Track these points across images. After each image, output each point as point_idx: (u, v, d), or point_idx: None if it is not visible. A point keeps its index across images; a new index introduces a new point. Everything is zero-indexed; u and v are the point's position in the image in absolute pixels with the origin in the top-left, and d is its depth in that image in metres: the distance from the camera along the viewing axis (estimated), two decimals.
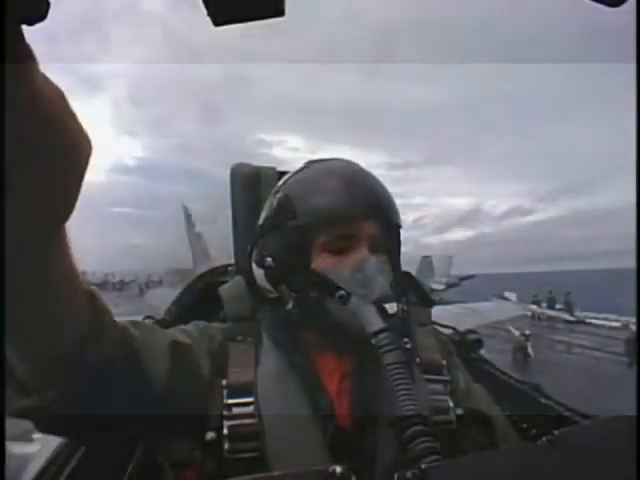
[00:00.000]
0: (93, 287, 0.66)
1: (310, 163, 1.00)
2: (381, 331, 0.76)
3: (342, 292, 0.84)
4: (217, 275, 1.82)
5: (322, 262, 0.88)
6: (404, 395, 0.69)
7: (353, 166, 0.98)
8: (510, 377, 1.43)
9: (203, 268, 2.12)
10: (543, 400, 1.25)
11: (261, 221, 0.98)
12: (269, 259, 0.92)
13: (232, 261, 1.52)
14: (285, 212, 0.90)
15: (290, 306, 0.90)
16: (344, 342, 0.88)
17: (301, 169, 0.99)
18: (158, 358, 0.77)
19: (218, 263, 1.88)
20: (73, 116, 0.44)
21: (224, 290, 1.03)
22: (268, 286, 0.95)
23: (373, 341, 0.76)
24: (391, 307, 0.81)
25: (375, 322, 0.78)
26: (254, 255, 0.98)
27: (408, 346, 0.85)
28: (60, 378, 0.61)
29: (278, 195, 0.94)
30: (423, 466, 0.54)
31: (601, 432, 0.63)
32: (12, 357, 0.57)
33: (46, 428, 0.71)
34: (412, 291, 1.05)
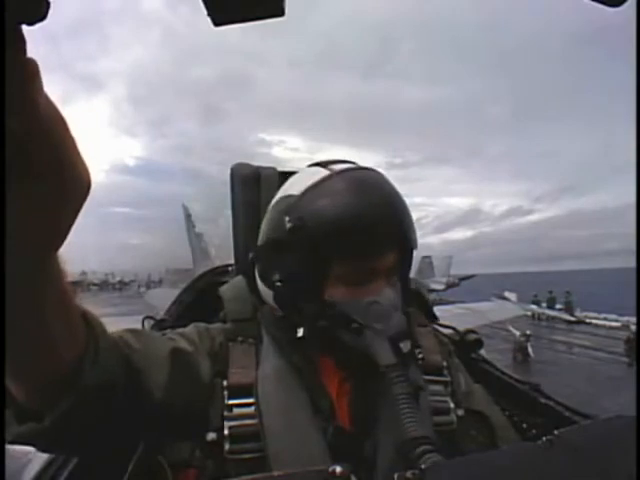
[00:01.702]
0: (86, 309, 0.65)
1: (327, 172, 0.90)
2: (393, 366, 0.76)
3: (356, 325, 0.81)
4: (217, 275, 1.82)
5: (336, 292, 0.84)
6: (411, 423, 0.69)
7: (376, 184, 0.88)
8: (510, 377, 1.42)
9: (203, 268, 2.12)
10: (543, 400, 1.25)
11: (269, 234, 0.91)
12: (278, 281, 0.87)
13: (232, 261, 1.51)
14: (300, 235, 0.83)
15: (301, 333, 0.86)
16: (349, 363, 0.86)
17: (318, 183, 0.87)
18: (158, 368, 0.77)
19: (218, 263, 1.88)
20: (74, 146, 0.43)
21: (225, 290, 1.02)
22: (274, 305, 0.92)
23: (382, 370, 0.76)
24: (405, 346, 0.79)
25: (388, 357, 0.77)
26: (258, 267, 0.95)
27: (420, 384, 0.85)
28: (58, 401, 0.60)
29: (293, 214, 0.85)
30: (423, 466, 0.54)
31: (601, 432, 0.63)
32: (10, 381, 0.56)
33: (45, 450, 0.71)
34: (417, 306, 1.04)
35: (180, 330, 0.92)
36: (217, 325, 0.96)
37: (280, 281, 0.86)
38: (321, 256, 0.82)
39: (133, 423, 0.74)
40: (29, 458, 1.32)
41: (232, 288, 1.03)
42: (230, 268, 1.68)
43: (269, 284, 0.90)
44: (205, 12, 0.34)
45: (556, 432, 0.57)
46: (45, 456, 1.19)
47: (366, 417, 0.84)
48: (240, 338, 0.90)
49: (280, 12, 0.35)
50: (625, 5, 0.38)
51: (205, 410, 0.82)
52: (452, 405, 0.91)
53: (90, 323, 0.64)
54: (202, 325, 0.95)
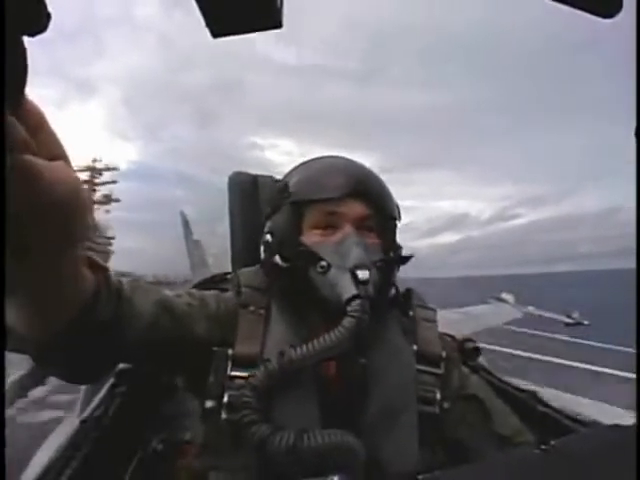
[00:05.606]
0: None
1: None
2: (353, 298, 0.80)
3: (324, 263, 0.89)
4: (215, 283, 1.81)
5: (310, 237, 0.94)
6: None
7: (350, 160, 1.03)
8: (508, 385, 1.42)
9: (201, 275, 2.11)
10: (542, 408, 1.24)
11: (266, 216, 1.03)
12: (268, 236, 0.99)
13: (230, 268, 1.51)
14: (282, 193, 0.98)
15: (278, 260, 0.94)
16: (333, 315, 0.85)
17: (303, 162, 1.06)
18: (138, 315, 0.75)
19: (216, 270, 1.87)
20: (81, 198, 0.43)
21: (241, 271, 1.05)
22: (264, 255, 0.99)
23: (348, 309, 0.79)
24: (363, 274, 0.83)
25: (348, 289, 0.82)
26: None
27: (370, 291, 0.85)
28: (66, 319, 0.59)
29: (280, 186, 1.01)
30: (420, 477, 0.53)
31: (599, 441, 0.63)
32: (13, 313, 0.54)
33: (42, 360, 0.68)
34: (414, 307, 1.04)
35: (180, 291, 0.94)
36: (227, 293, 0.98)
37: (269, 233, 0.99)
38: (295, 206, 0.95)
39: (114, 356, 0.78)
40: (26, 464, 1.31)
41: (249, 270, 1.05)
42: (229, 276, 1.68)
43: (262, 242, 1.01)
44: (202, 22, 0.34)
45: (552, 442, 0.57)
46: (43, 461, 1.18)
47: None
48: (252, 308, 0.92)
49: (278, 24, 0.35)
50: (618, 17, 0.39)
51: (201, 372, 0.83)
52: (438, 397, 0.91)
53: (96, 269, 0.64)
54: (206, 292, 0.97)
